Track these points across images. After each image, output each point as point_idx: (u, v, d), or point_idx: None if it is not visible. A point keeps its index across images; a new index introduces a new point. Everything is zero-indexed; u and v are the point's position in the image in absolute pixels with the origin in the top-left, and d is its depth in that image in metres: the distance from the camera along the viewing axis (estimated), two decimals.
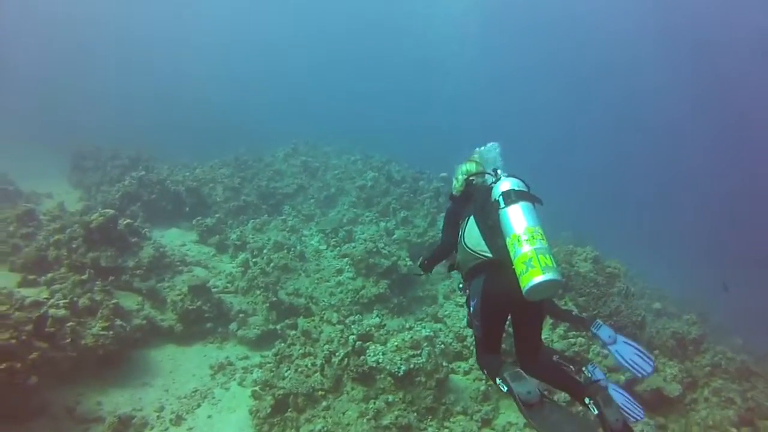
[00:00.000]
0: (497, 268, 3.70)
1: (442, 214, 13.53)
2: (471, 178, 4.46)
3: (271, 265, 10.57)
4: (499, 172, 4.23)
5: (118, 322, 8.08)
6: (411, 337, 6.87)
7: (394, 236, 11.64)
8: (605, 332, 4.64)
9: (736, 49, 43.32)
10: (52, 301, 7.92)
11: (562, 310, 5.07)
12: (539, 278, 3.36)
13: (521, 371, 3.54)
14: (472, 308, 3.86)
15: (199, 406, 7.53)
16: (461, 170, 4.60)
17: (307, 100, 52.65)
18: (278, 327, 9.28)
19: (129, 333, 8.24)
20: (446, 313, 9.43)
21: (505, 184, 3.91)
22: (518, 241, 3.55)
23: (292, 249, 11.41)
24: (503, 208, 3.75)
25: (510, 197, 3.80)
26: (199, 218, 12.62)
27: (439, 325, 9.28)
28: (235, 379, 8.17)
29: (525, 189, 3.93)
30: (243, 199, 14.76)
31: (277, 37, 64.24)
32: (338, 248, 11.81)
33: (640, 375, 4.53)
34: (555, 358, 4.72)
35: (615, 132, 51.69)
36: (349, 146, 21.20)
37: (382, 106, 53.35)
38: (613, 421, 3.35)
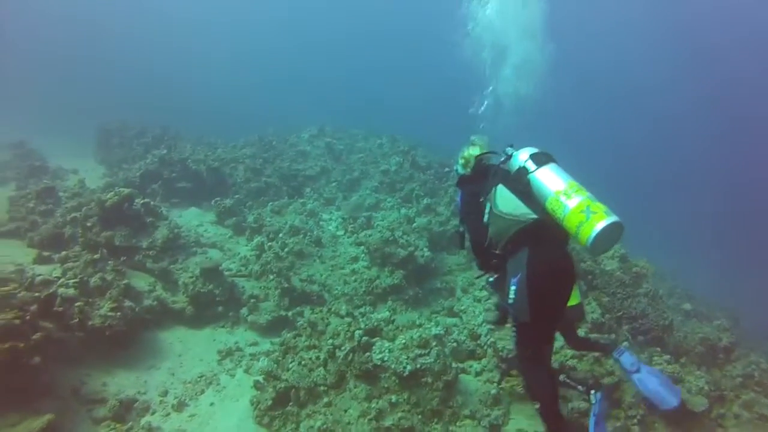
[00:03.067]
0: (545, 232, 3.42)
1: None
2: (480, 158, 4.26)
3: (286, 249, 10.36)
4: (509, 149, 3.98)
5: (127, 303, 7.99)
6: (420, 336, 6.55)
7: (415, 224, 11.28)
8: (628, 360, 4.19)
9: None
10: (62, 280, 7.88)
11: (580, 337, 4.65)
12: (604, 222, 3.11)
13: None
14: (513, 290, 3.39)
15: (203, 392, 7.39)
16: (466, 154, 4.36)
17: (341, 83, 52.64)
18: (290, 314, 9.09)
19: (138, 314, 8.16)
20: (463, 307, 9.08)
21: (525, 152, 3.73)
22: (565, 195, 3.31)
23: (309, 234, 11.18)
24: (534, 171, 3.55)
25: (540, 158, 3.60)
26: (217, 199, 12.48)
27: (453, 320, 8.96)
28: (241, 366, 8.02)
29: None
30: (264, 180, 14.59)
31: (314, 17, 64.14)
32: (356, 235, 11.52)
33: (663, 408, 4.11)
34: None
35: (635, 120, 50.29)
36: (377, 129, 20.84)
37: (419, 93, 53.06)
38: None
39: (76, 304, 7.37)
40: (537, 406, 3.44)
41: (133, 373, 7.53)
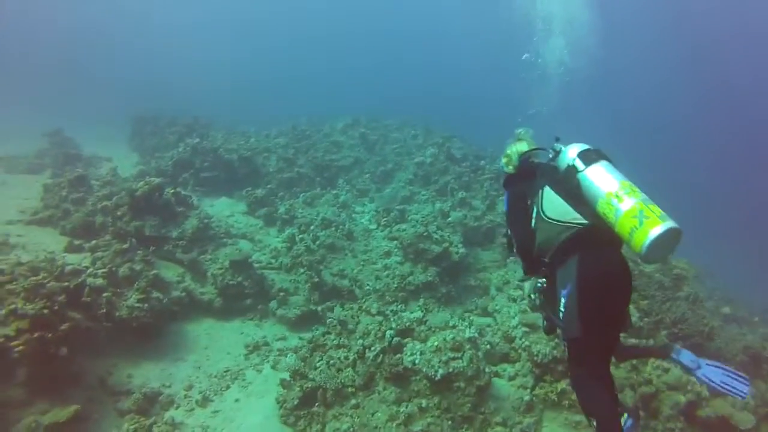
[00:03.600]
0: (597, 238, 3.07)
1: (502, 198, 12.95)
2: (526, 156, 3.88)
3: (317, 242, 10.14)
4: (557, 145, 3.59)
5: (155, 294, 7.92)
6: (453, 338, 6.23)
7: (449, 219, 10.93)
8: (686, 357, 3.82)
9: None
10: (90, 270, 7.81)
11: (626, 346, 4.27)
12: (660, 228, 2.76)
13: None
14: (563, 303, 3.06)
15: (228, 387, 7.23)
16: (513, 150, 3.99)
17: (375, 73, 52.41)
18: (319, 308, 8.88)
19: (166, 306, 8.07)
20: (497, 307, 8.70)
21: (574, 149, 3.35)
22: (617, 198, 2.95)
23: (341, 227, 10.94)
24: (583, 169, 3.19)
25: (590, 156, 3.24)
26: (249, 189, 12.34)
27: (487, 320, 8.61)
28: (268, 361, 7.84)
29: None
30: (296, 170, 14.41)
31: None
32: (389, 228, 11.22)
33: (739, 397, 3.72)
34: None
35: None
36: (411, 120, 20.49)
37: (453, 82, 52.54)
38: None
39: (104, 294, 7.31)
40: (594, 423, 3.07)
41: (159, 365, 7.43)
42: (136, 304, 7.50)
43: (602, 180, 3.07)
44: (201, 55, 47.04)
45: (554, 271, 3.24)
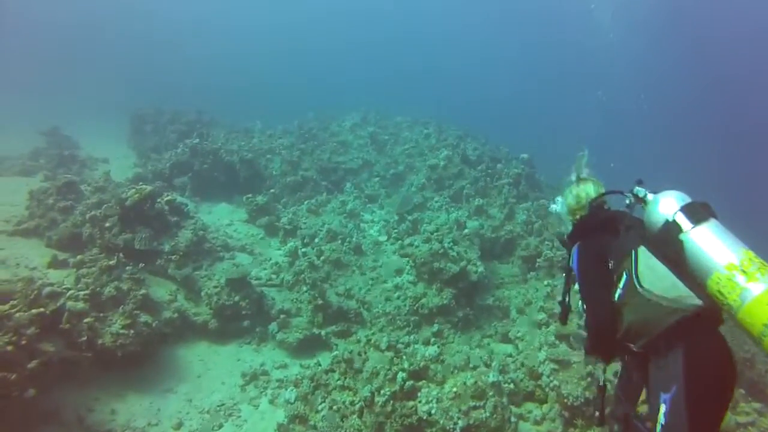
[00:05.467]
0: (710, 325, 2.30)
1: (523, 205, 12.06)
2: (599, 201, 3.09)
3: (322, 258, 9.32)
4: (638, 188, 2.79)
5: (143, 318, 7.22)
6: (474, 382, 5.41)
7: (466, 230, 10.08)
8: None
9: None
10: (71, 291, 7.07)
11: None
12: None
13: None
14: (665, 411, 2.27)
15: (221, 426, 6.51)
16: (578, 194, 3.18)
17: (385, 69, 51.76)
18: (323, 332, 8.10)
19: (156, 329, 7.33)
20: (519, 333, 7.84)
21: (671, 200, 2.54)
22: (744, 274, 2.16)
23: (348, 239, 10.09)
24: (690, 230, 2.39)
25: (696, 212, 2.44)
26: (249, 195, 11.53)
27: (508, 348, 7.77)
28: (266, 395, 7.09)
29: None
30: (301, 174, 13.57)
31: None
32: (400, 242, 10.35)
33: None
34: None
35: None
36: (422, 117, 19.61)
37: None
38: None
39: (86, 320, 6.59)
40: None
41: (146, 398, 6.76)
42: (121, 331, 6.81)
43: (717, 247, 2.24)
44: (208, 50, 46.37)
45: (644, 361, 2.42)
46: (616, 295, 2.57)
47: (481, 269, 8.56)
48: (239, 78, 38.28)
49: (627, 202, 2.80)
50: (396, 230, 10.89)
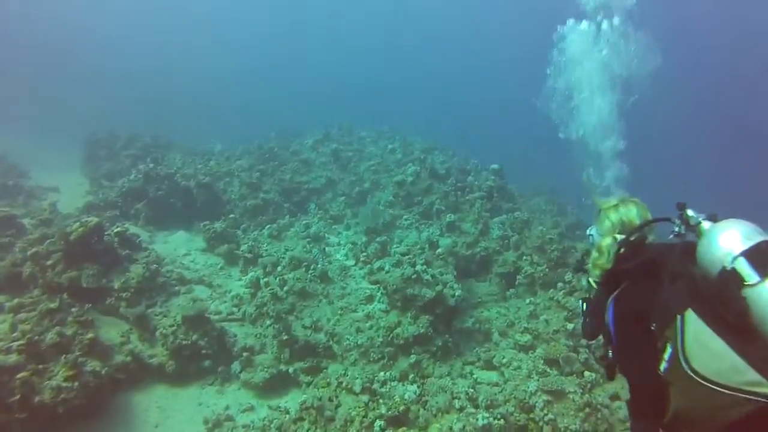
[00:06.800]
0: None
1: (497, 219, 11.60)
2: (638, 234, 2.41)
3: (286, 288, 8.65)
4: (690, 213, 2.19)
5: (90, 366, 6.47)
6: (462, 427, 4.84)
7: (439, 249, 9.56)
8: None
9: None
10: (2, 343, 6.31)
11: None
12: None
13: None
14: None
15: None
16: (614, 219, 2.53)
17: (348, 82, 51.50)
18: (291, 369, 7.44)
19: (106, 375, 6.62)
20: (504, 359, 7.30)
21: (730, 235, 1.91)
22: None
23: (313, 266, 9.44)
24: (757, 283, 1.74)
25: (764, 257, 1.79)
26: (206, 222, 10.80)
27: (493, 375, 7.23)
28: None
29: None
30: (262, 196, 12.87)
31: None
32: (369, 266, 9.76)
33: None
34: None
35: None
36: (387, 131, 19.18)
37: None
38: None
39: (19, 375, 5.82)
40: None
41: None
42: (64, 384, 6.07)
43: None
44: (166, 70, 45.34)
45: None
46: (662, 367, 1.97)
47: (458, 292, 7.99)
48: (201, 98, 37.37)
49: (675, 230, 2.24)
50: (364, 253, 10.24)
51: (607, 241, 2.46)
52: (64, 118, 24.44)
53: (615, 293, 2.32)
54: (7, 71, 33.23)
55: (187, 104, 34.22)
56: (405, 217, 12.07)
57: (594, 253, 2.51)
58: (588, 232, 2.83)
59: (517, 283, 9.31)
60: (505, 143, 30.36)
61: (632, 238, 2.39)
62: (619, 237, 2.43)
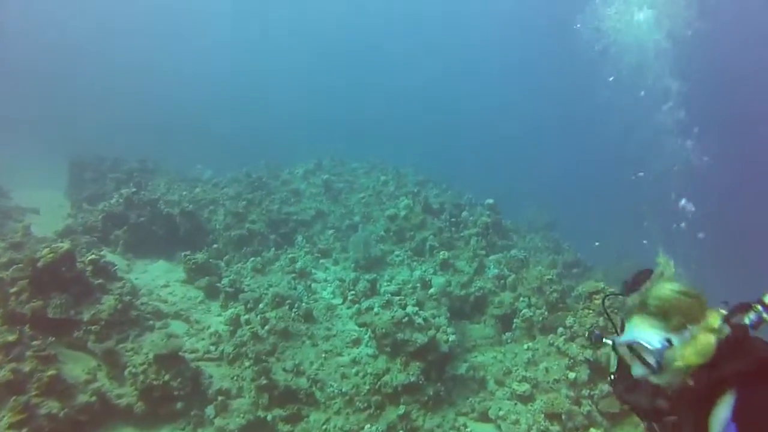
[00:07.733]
0: None
1: (493, 257, 11.05)
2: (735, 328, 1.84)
3: (267, 327, 8.10)
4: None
5: (45, 409, 5.91)
6: None
7: (432, 289, 9.07)
8: None
9: None
10: None
11: None
12: None
13: None
14: None
15: None
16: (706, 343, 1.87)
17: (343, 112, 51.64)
18: (269, 416, 6.88)
19: (66, 418, 6.06)
20: (501, 412, 6.77)
21: None
22: None
23: (297, 304, 8.90)
24: None
25: None
26: (187, 253, 10.26)
27: (489, 429, 6.71)
28: None
29: None
30: (248, 227, 12.33)
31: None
32: (357, 305, 9.22)
33: None
34: None
35: None
36: (380, 163, 18.87)
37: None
38: None
39: None
40: None
41: None
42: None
43: None
44: (160, 93, 45.23)
45: None
46: None
47: (452, 338, 7.48)
48: (197, 124, 37.18)
49: (750, 318, 1.77)
50: (352, 291, 9.70)
51: (709, 338, 1.84)
52: (58, 138, 24.09)
53: (741, 393, 1.73)
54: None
55: (182, 130, 34.00)
56: (396, 252, 11.61)
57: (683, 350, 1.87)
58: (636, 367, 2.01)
59: (514, 326, 8.83)
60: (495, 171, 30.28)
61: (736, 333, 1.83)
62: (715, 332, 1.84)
